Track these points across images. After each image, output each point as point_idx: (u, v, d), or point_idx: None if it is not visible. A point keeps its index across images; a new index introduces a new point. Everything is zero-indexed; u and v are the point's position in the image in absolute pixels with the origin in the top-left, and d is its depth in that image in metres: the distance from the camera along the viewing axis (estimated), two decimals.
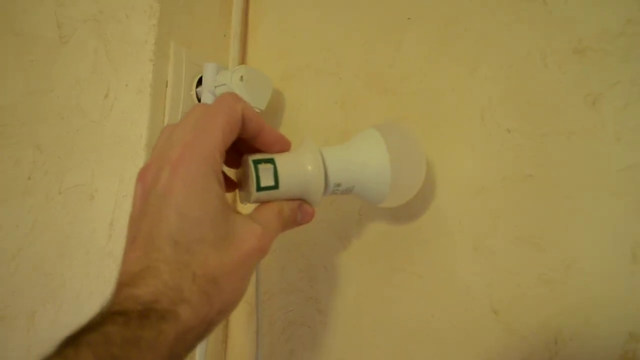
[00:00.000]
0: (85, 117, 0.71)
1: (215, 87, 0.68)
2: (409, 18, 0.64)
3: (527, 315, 0.51)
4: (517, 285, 0.52)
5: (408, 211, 0.61)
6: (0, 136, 0.80)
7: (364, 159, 0.51)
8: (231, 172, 0.49)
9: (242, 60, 0.79)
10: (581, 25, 0.52)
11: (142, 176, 0.41)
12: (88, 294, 0.66)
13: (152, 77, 0.67)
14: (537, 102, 0.54)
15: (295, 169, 0.46)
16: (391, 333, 0.60)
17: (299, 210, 0.48)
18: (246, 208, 0.70)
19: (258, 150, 0.46)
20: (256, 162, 0.44)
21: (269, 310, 0.70)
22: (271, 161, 0.45)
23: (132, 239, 0.38)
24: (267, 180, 0.44)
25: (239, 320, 0.74)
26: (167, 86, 0.68)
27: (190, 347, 0.36)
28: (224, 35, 0.78)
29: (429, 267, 0.58)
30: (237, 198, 0.48)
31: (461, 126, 0.58)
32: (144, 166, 0.41)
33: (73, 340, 0.31)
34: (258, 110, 0.66)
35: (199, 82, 0.71)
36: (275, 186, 0.45)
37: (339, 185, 0.50)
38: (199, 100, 0.70)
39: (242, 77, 0.65)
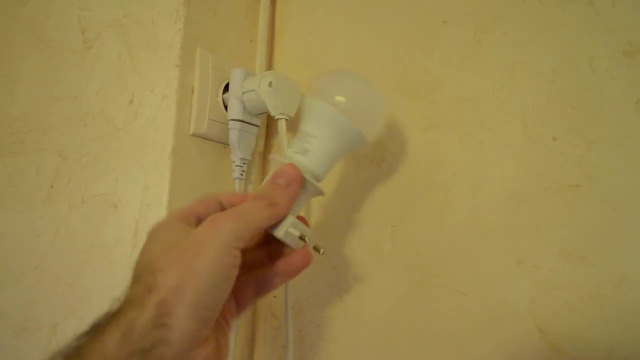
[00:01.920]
0: (109, 123, 0.70)
1: (243, 93, 0.66)
2: (444, 21, 0.61)
3: (575, 334, 0.49)
4: (564, 302, 0.50)
5: (444, 222, 0.58)
6: (23, 143, 0.79)
7: (322, 130, 0.50)
8: None
9: (269, 66, 0.77)
10: (631, 27, 0.50)
11: None
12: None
13: (178, 82, 0.65)
14: (584, 108, 0.51)
15: None
16: (426, 352, 0.58)
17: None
18: None
19: None
20: None
21: (297, 324, 0.67)
22: None
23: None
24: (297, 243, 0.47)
25: (266, 334, 0.71)
26: (193, 92, 0.67)
27: (150, 340, 0.36)
28: (251, 41, 0.76)
29: (468, 282, 0.56)
30: None
31: (502, 133, 0.55)
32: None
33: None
34: (287, 118, 0.64)
35: (226, 88, 0.69)
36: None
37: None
38: (226, 107, 0.68)
39: (271, 82, 0.63)
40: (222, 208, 0.47)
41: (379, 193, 0.63)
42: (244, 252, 0.47)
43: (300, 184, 0.47)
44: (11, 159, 0.80)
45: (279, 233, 0.45)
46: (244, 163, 0.68)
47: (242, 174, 0.68)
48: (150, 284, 0.39)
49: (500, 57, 0.57)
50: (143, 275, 0.40)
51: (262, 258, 0.50)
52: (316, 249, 0.47)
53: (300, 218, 0.48)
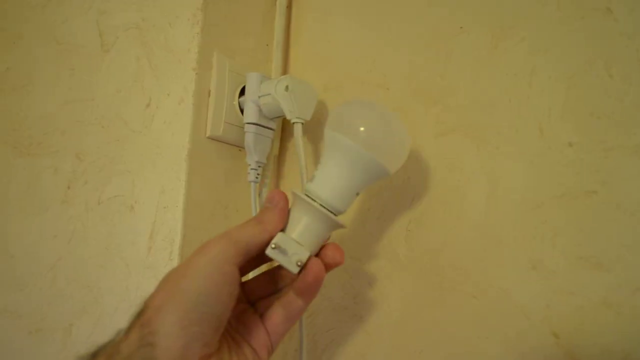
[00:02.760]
0: (126, 126, 0.70)
1: (259, 96, 0.66)
2: (461, 27, 0.61)
3: (590, 341, 0.49)
4: (579, 308, 0.49)
5: (460, 228, 0.58)
6: (40, 145, 0.80)
7: (327, 155, 0.51)
8: None
9: (285, 71, 0.78)
10: None
11: None
12: (127, 307, 0.65)
13: (195, 86, 0.65)
14: (601, 115, 0.51)
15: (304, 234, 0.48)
16: (440, 356, 0.58)
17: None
18: None
19: None
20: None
21: (311, 328, 0.67)
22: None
23: None
24: (292, 267, 0.46)
25: None
26: (209, 96, 0.67)
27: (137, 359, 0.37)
28: (267, 45, 0.76)
29: (483, 287, 0.56)
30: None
31: (518, 139, 0.56)
32: None
33: None
34: (303, 122, 0.64)
35: (242, 92, 0.70)
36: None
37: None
38: (242, 110, 0.69)
39: (287, 86, 0.64)
40: None
41: (394, 197, 0.64)
42: (262, 279, 0.50)
43: (285, 202, 0.48)
44: (29, 160, 0.81)
45: (266, 250, 0.46)
46: (259, 166, 0.68)
47: (257, 177, 0.68)
48: (139, 311, 0.40)
49: (516, 63, 0.57)
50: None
51: (285, 283, 0.51)
52: (299, 265, 0.46)
53: (331, 246, 0.49)
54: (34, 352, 0.73)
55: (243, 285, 0.51)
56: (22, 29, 0.87)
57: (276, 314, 0.48)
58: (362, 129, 0.50)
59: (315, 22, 0.77)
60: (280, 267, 0.50)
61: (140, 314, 0.40)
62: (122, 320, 0.63)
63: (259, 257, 0.48)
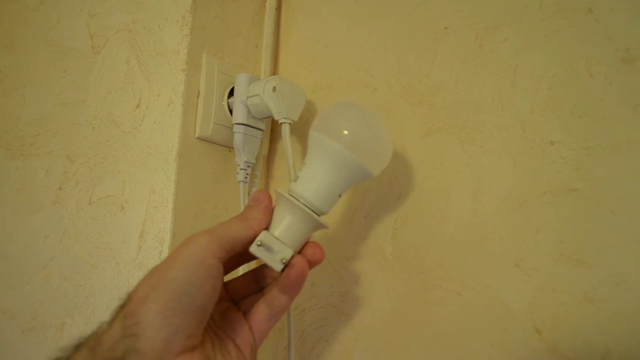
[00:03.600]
0: (117, 127, 0.71)
1: (248, 97, 0.67)
2: (445, 28, 0.62)
3: (572, 336, 0.49)
4: (561, 304, 0.50)
5: (445, 225, 0.59)
6: (32, 146, 0.81)
7: (310, 156, 0.52)
8: None
9: (274, 72, 0.78)
10: (629, 34, 0.51)
11: None
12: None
13: (184, 87, 0.66)
14: (582, 114, 0.52)
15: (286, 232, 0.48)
16: (426, 352, 0.58)
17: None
18: None
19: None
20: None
21: (299, 325, 0.68)
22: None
23: None
24: (276, 264, 0.47)
25: (268, 336, 0.72)
26: (198, 97, 0.68)
27: (120, 351, 0.38)
28: (256, 46, 0.77)
29: (467, 284, 0.56)
30: None
31: (502, 138, 0.56)
32: None
33: None
34: (291, 122, 0.65)
35: (231, 93, 0.70)
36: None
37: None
38: (231, 111, 0.70)
39: (274, 87, 0.64)
40: None
41: (381, 196, 0.64)
42: (245, 278, 0.51)
43: (269, 201, 0.49)
44: (22, 161, 0.81)
45: (251, 247, 0.47)
46: (248, 166, 0.69)
47: (246, 177, 0.69)
48: (122, 303, 0.41)
49: (500, 63, 0.58)
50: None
51: (268, 282, 0.52)
52: (283, 263, 0.47)
53: (311, 244, 0.50)
54: (27, 350, 0.73)
55: (226, 284, 0.52)
56: (14, 31, 0.88)
57: (260, 312, 0.49)
58: (346, 132, 0.51)
59: (304, 23, 0.77)
60: (263, 266, 0.51)
61: (123, 306, 0.40)
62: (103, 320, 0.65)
63: (242, 255, 0.48)
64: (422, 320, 0.59)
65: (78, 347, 0.39)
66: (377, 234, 0.64)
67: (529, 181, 0.54)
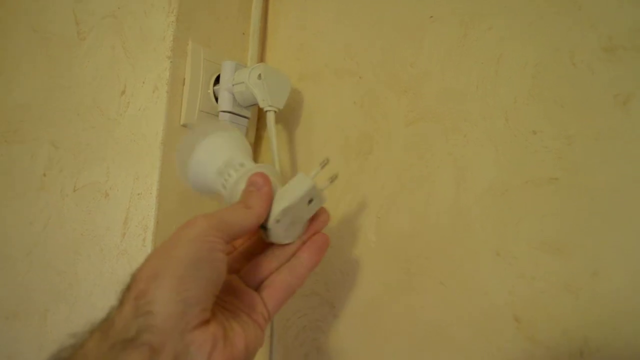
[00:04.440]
0: (102, 114, 0.71)
1: (233, 85, 0.67)
2: (431, 16, 0.62)
3: (551, 325, 0.49)
4: (540, 293, 0.50)
5: (428, 214, 0.59)
6: (17, 132, 0.80)
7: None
8: None
9: (261, 59, 0.78)
10: (612, 23, 0.50)
11: None
12: (101, 292, 0.65)
13: (169, 74, 0.66)
14: (565, 103, 0.52)
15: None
16: (408, 339, 0.58)
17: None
18: None
19: None
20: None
21: (283, 314, 0.68)
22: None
23: None
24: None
25: None
26: (184, 84, 0.68)
27: (134, 329, 0.37)
28: (243, 34, 0.77)
29: (449, 272, 0.56)
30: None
31: (485, 127, 0.56)
32: None
33: None
34: (276, 110, 0.65)
35: (217, 81, 0.70)
36: None
37: None
38: (216, 99, 0.69)
39: (260, 75, 0.64)
40: None
41: (365, 185, 0.64)
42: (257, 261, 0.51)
43: (269, 185, 0.49)
44: (6, 147, 0.81)
45: (270, 238, 0.49)
46: None
47: None
48: (129, 283, 0.40)
49: (485, 52, 0.58)
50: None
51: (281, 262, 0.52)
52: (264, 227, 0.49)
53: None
54: (10, 337, 0.73)
55: (239, 271, 0.52)
56: (0, 17, 0.87)
57: (278, 281, 0.49)
58: None
59: (292, 11, 0.77)
60: (275, 248, 0.52)
61: (130, 288, 0.40)
62: (97, 304, 0.65)
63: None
64: (406, 308, 0.59)
65: (90, 332, 0.39)
66: (361, 222, 0.64)
67: (511, 170, 0.54)
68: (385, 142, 0.63)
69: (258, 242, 0.53)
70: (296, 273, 0.50)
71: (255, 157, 0.76)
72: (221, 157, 0.52)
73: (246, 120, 0.70)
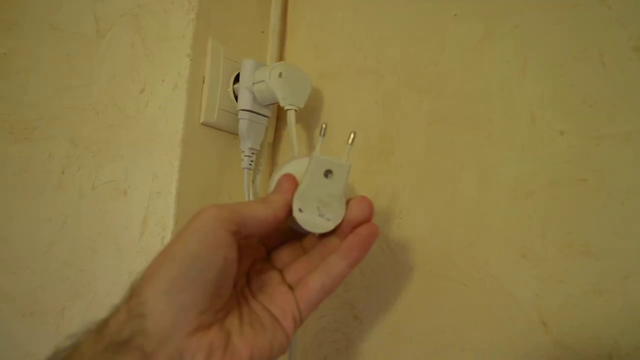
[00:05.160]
0: (121, 112, 0.70)
1: (253, 83, 0.66)
2: (455, 14, 0.61)
3: (579, 329, 0.48)
4: (568, 296, 0.49)
5: (451, 215, 0.58)
6: (35, 130, 0.80)
7: None
8: None
9: (280, 58, 0.77)
10: None
11: None
12: (119, 291, 0.64)
13: (189, 72, 0.65)
14: (593, 103, 0.51)
15: None
16: (429, 342, 0.58)
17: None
18: None
19: None
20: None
21: None
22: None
23: None
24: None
25: None
26: (203, 82, 0.67)
27: (127, 332, 0.36)
28: (262, 32, 0.76)
29: (473, 275, 0.56)
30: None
31: (510, 127, 0.55)
32: None
33: None
34: (296, 109, 0.64)
35: (237, 79, 0.70)
36: None
37: None
38: (236, 97, 0.69)
39: (280, 73, 0.64)
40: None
41: (387, 185, 0.64)
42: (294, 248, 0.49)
43: (294, 186, 0.47)
44: (24, 145, 0.81)
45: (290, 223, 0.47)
46: (252, 153, 0.68)
47: (250, 164, 0.68)
48: (133, 283, 0.39)
49: (509, 51, 0.57)
50: None
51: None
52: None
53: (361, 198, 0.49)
54: (28, 335, 0.73)
55: (271, 256, 0.50)
56: (18, 14, 0.87)
57: (313, 280, 0.45)
58: None
59: (312, 9, 0.76)
60: (311, 235, 0.50)
61: (131, 286, 0.38)
62: (114, 303, 0.64)
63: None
64: (427, 311, 0.58)
65: (87, 332, 0.38)
66: (382, 223, 0.63)
67: (536, 171, 0.53)
68: (407, 142, 0.63)
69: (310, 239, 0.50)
70: (330, 272, 0.46)
71: (275, 156, 0.76)
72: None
73: (266, 119, 0.69)
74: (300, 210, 0.46)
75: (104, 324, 0.37)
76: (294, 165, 0.50)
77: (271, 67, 0.65)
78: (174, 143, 0.64)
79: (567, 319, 0.49)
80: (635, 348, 0.45)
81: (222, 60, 0.69)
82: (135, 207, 0.66)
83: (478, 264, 0.55)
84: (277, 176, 0.49)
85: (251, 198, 0.69)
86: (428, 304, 0.58)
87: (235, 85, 0.69)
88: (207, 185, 0.67)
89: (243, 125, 0.67)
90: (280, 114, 0.76)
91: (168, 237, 0.62)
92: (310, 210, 0.47)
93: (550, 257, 0.51)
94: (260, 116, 0.68)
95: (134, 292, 0.37)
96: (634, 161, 0.48)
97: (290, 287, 0.46)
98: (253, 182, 0.71)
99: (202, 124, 0.67)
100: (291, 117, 0.64)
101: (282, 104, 0.64)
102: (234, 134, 0.70)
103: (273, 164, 0.75)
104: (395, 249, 0.62)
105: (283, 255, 0.50)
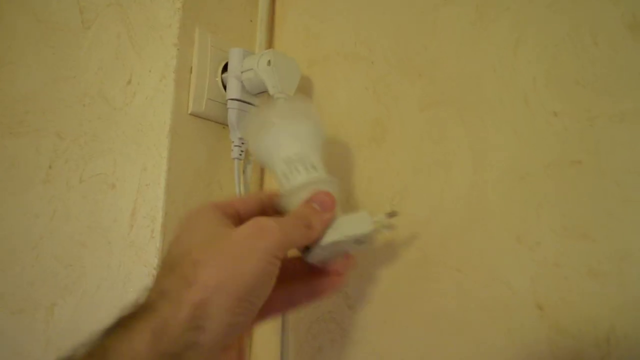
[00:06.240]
0: (108, 104, 0.69)
1: (242, 72, 0.65)
2: None
3: (575, 312, 0.48)
4: (564, 279, 0.49)
5: (444, 200, 0.57)
6: (22, 124, 0.79)
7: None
8: None
9: (269, 46, 0.76)
10: (635, 0, 0.49)
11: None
12: (109, 285, 0.64)
13: (177, 62, 0.64)
14: (587, 83, 0.50)
15: None
16: (424, 329, 0.57)
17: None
18: None
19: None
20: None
21: None
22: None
23: None
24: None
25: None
26: (191, 72, 0.66)
27: (182, 343, 0.35)
28: (250, 21, 0.75)
29: (467, 260, 0.55)
30: None
31: (503, 109, 0.55)
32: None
33: None
34: (285, 97, 0.63)
35: (225, 68, 0.69)
36: None
37: None
38: (225, 87, 0.68)
39: (269, 61, 0.63)
40: (264, 211, 0.47)
41: (380, 171, 0.63)
42: (286, 264, 0.46)
43: (333, 212, 0.46)
44: (11, 140, 0.80)
45: (308, 258, 0.47)
46: (242, 143, 0.67)
47: (240, 154, 0.67)
48: (188, 277, 0.37)
49: (501, 33, 0.56)
50: (179, 265, 0.38)
51: (299, 274, 0.50)
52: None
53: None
54: (17, 332, 0.72)
55: None
56: (2, 6, 0.86)
57: (279, 302, 0.47)
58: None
59: None
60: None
61: (188, 282, 0.37)
62: (105, 297, 0.63)
63: None
64: (421, 298, 0.58)
65: (138, 319, 0.36)
66: (375, 209, 0.62)
67: (531, 153, 0.52)
68: (399, 128, 0.62)
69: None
70: (292, 301, 0.49)
71: None
72: (295, 147, 0.49)
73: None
74: (322, 248, 0.46)
75: (163, 324, 0.35)
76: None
77: (260, 55, 0.64)
78: (162, 134, 0.63)
79: (563, 302, 0.49)
80: (632, 329, 0.45)
81: (209, 50, 0.68)
82: (124, 199, 0.65)
83: (472, 249, 0.55)
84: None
85: (242, 189, 0.68)
86: (422, 290, 0.58)
87: (224, 75, 0.68)
88: (197, 177, 0.66)
89: (232, 115, 0.66)
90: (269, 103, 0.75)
91: (158, 230, 0.61)
92: (325, 251, 0.47)
93: (546, 240, 0.50)
94: (249, 105, 0.67)
95: (198, 302, 0.36)
96: (629, 141, 0.47)
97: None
98: (244, 172, 0.70)
99: (191, 114, 0.66)
100: None
101: (271, 92, 0.63)
102: (224, 124, 0.69)
103: None
104: (388, 235, 0.61)
105: None
